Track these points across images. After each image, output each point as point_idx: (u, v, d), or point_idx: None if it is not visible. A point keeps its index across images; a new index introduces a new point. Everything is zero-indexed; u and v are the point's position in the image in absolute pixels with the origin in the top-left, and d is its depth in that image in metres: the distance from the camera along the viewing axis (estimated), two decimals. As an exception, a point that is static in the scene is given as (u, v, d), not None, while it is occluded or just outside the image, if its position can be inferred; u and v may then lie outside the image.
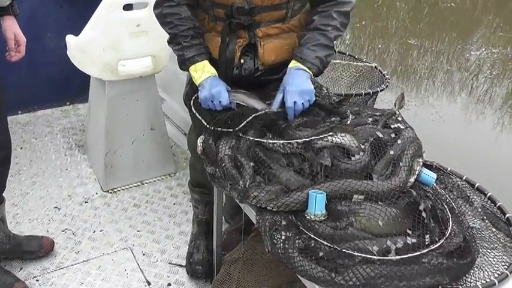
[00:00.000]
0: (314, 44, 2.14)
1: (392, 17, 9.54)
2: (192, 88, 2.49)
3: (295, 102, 2.06)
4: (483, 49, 8.32)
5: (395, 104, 2.21)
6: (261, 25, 2.20)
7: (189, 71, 2.25)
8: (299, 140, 1.92)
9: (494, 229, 1.92)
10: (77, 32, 3.26)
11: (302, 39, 2.18)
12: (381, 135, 1.99)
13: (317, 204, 1.73)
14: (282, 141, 1.95)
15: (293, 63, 2.14)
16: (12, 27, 2.53)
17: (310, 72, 2.12)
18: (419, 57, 8.01)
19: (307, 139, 1.92)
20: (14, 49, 2.57)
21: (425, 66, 7.70)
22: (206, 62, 2.22)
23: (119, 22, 3.14)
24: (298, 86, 2.08)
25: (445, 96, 6.76)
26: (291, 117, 2.08)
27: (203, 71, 2.19)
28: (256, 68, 2.26)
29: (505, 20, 9.82)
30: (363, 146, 1.91)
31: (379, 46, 8.20)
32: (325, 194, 1.75)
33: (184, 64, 2.23)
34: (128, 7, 3.16)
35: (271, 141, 1.98)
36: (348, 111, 2.16)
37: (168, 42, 2.31)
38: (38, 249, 2.95)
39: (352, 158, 1.88)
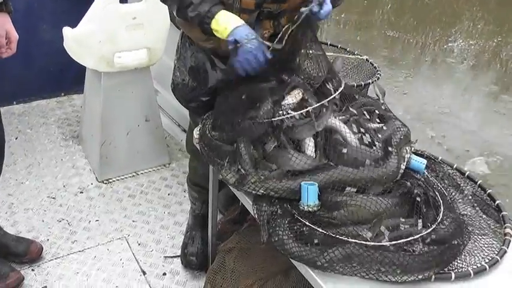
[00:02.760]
0: None
1: (377, 10, 9.60)
2: (176, 75, 2.53)
3: None
4: (461, 40, 8.44)
5: (376, 94, 2.26)
6: (286, 13, 2.20)
7: (211, 30, 2.11)
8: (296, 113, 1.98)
9: (484, 216, 1.96)
10: (72, 24, 3.28)
11: None
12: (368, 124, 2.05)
13: (309, 195, 1.76)
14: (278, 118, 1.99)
15: None
16: (4, 24, 2.52)
17: None
18: (402, 50, 8.11)
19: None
20: (5, 46, 2.58)
21: (409, 59, 7.80)
22: (225, 11, 2.09)
23: (116, 15, 3.17)
24: None
25: (430, 87, 6.88)
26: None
27: (226, 22, 2.07)
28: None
29: (487, 13, 9.92)
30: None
31: (360, 39, 8.27)
32: (317, 184, 1.79)
33: (205, 23, 2.10)
34: (123, 0, 3.19)
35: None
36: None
37: (177, 14, 2.23)
38: (24, 254, 2.90)
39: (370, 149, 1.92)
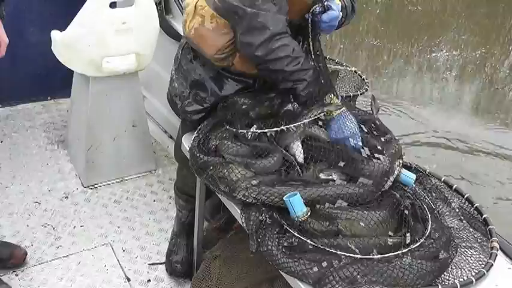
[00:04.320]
0: None
1: (363, 19, 9.67)
2: (174, 86, 2.51)
3: None
4: (445, 51, 8.51)
5: (371, 109, 2.28)
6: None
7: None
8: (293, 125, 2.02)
9: (471, 229, 1.98)
10: (60, 28, 3.26)
11: None
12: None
13: (295, 206, 1.75)
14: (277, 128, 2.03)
15: None
16: None
17: None
18: (387, 59, 8.17)
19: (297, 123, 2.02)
20: None
21: (394, 68, 7.86)
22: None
23: (105, 19, 3.16)
24: None
25: (416, 98, 6.93)
26: None
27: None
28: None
29: (473, 24, 10.03)
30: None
31: (344, 47, 8.34)
32: (298, 193, 1.77)
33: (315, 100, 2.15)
34: (113, 5, 3.19)
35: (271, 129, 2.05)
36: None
37: (280, 80, 2.18)
38: (8, 259, 2.87)
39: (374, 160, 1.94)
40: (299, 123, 2.02)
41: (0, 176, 3.58)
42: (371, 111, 2.27)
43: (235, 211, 1.97)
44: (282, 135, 2.04)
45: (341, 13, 2.20)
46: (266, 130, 2.05)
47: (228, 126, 2.16)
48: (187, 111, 2.46)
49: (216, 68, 2.35)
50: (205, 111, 2.42)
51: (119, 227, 3.27)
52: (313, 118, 2.04)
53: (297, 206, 1.75)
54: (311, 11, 2.13)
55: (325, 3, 2.13)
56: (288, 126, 2.02)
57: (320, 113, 2.04)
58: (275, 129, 2.03)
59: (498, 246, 1.88)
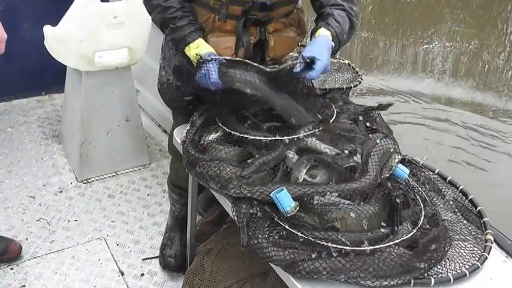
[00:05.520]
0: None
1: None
2: (162, 75, 2.52)
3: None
4: (437, 43, 8.49)
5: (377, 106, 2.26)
6: (273, 20, 2.24)
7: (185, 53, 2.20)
8: (285, 137, 2.00)
9: (465, 221, 1.96)
10: (53, 23, 3.26)
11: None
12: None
13: (282, 202, 1.74)
14: (271, 138, 2.01)
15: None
16: None
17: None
18: (382, 52, 8.15)
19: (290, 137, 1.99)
20: None
21: (388, 61, 7.85)
22: (199, 41, 2.15)
23: (96, 14, 3.16)
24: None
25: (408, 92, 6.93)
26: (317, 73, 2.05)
27: (196, 51, 2.14)
28: (266, 63, 2.26)
29: (468, 15, 10.01)
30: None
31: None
32: (284, 189, 1.76)
33: (178, 47, 2.21)
34: (104, -1, 3.20)
35: (258, 137, 2.02)
36: (332, 105, 2.22)
37: (161, 30, 2.30)
38: (3, 253, 2.88)
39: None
40: (293, 136, 2.01)
41: (-5, 170, 3.60)
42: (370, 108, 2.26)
43: (227, 205, 1.97)
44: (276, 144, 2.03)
45: (333, 43, 2.14)
46: (262, 138, 2.02)
47: (220, 124, 2.16)
48: (172, 98, 2.49)
49: None
50: (186, 98, 2.43)
51: (112, 221, 3.28)
52: (309, 133, 2.03)
53: (285, 201, 1.74)
54: (289, 65, 2.07)
55: (304, 57, 2.05)
56: (281, 138, 2.00)
57: (314, 129, 2.03)
58: (269, 138, 2.01)
59: (492, 239, 1.86)
